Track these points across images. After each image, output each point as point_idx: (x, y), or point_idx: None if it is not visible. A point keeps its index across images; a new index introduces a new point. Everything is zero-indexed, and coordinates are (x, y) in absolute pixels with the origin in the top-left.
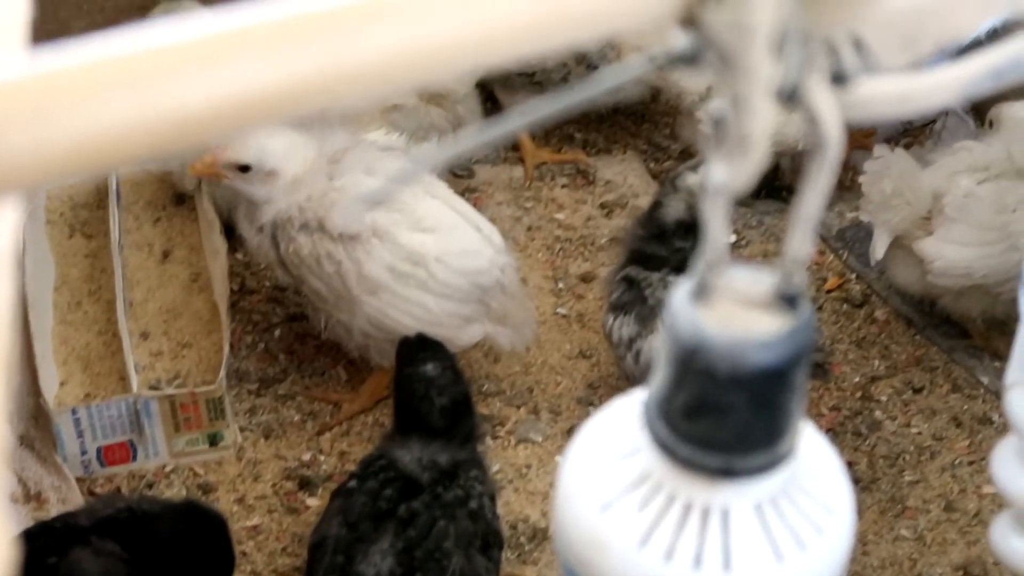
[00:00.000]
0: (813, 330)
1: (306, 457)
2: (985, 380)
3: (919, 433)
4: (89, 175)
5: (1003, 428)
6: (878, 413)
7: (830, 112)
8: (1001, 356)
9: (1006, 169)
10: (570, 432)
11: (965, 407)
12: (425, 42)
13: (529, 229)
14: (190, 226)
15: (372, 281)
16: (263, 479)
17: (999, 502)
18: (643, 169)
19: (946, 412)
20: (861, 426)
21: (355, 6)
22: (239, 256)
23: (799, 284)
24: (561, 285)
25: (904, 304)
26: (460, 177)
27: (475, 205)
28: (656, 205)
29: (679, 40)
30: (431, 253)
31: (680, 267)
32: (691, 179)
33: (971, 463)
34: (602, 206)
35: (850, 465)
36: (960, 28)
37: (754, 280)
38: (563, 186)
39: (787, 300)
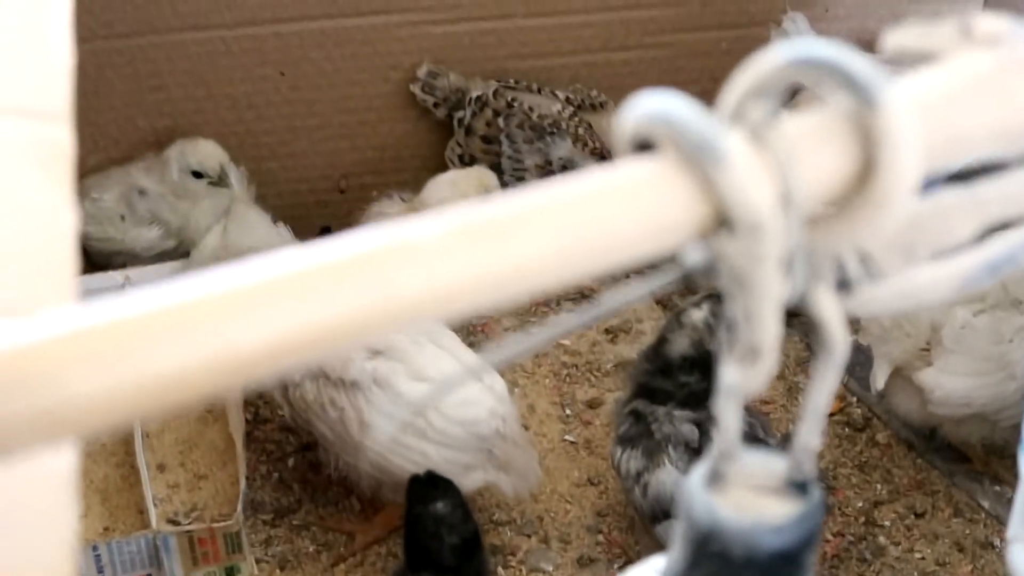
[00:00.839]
0: (823, 513)
1: None
2: (986, 504)
3: (922, 558)
4: (148, 418)
5: (1005, 552)
6: (882, 538)
7: (836, 319)
8: (1001, 480)
9: (1001, 300)
10: (580, 561)
11: (967, 531)
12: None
13: (536, 356)
14: None
15: (373, 428)
16: None
17: None
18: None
19: (948, 537)
20: (865, 551)
21: (400, 243)
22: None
23: (809, 471)
24: (568, 412)
25: (904, 428)
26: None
27: (482, 332)
28: (662, 340)
29: (692, 255)
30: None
31: (686, 401)
32: (696, 315)
33: None
34: (607, 331)
35: None
36: (955, 234)
37: (766, 467)
38: (568, 311)
39: (798, 486)
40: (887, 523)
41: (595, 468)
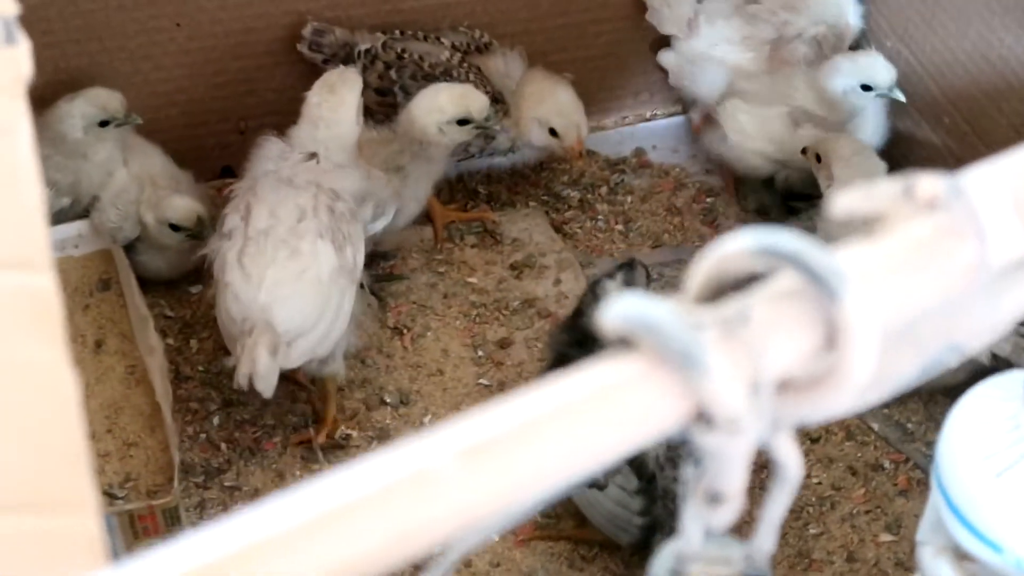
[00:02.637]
0: None
1: None
2: (875, 427)
3: (819, 483)
4: None
5: (893, 474)
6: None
7: (793, 459)
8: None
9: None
10: None
11: (859, 455)
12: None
13: (445, 296)
14: (119, 312)
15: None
16: None
17: (895, 551)
18: (546, 223)
19: (842, 461)
20: (767, 480)
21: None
22: (170, 341)
23: (762, 567)
24: (480, 353)
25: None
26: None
27: (392, 272)
28: (579, 313)
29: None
30: None
31: None
32: (611, 286)
33: (867, 512)
34: (512, 267)
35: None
36: (972, 331)
37: (723, 561)
38: (472, 246)
39: None
40: None
41: None
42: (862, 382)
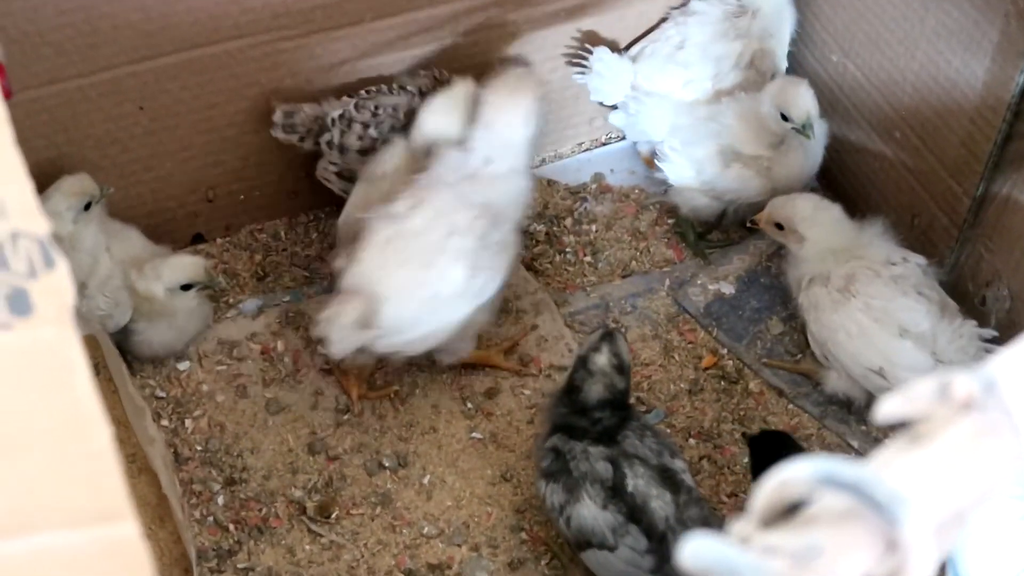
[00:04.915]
0: None
1: None
2: (855, 444)
3: None
4: None
5: None
6: None
7: None
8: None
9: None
10: (511, 565)
11: None
12: None
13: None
14: (111, 398)
15: None
16: None
17: None
18: (517, 262)
19: None
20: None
21: None
22: (164, 423)
23: None
24: (470, 405)
25: (774, 375)
26: None
27: (305, 344)
28: (575, 388)
29: None
30: None
31: (600, 437)
32: (601, 360)
33: None
34: None
35: None
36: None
37: None
38: None
39: None
40: None
41: (505, 463)
42: None
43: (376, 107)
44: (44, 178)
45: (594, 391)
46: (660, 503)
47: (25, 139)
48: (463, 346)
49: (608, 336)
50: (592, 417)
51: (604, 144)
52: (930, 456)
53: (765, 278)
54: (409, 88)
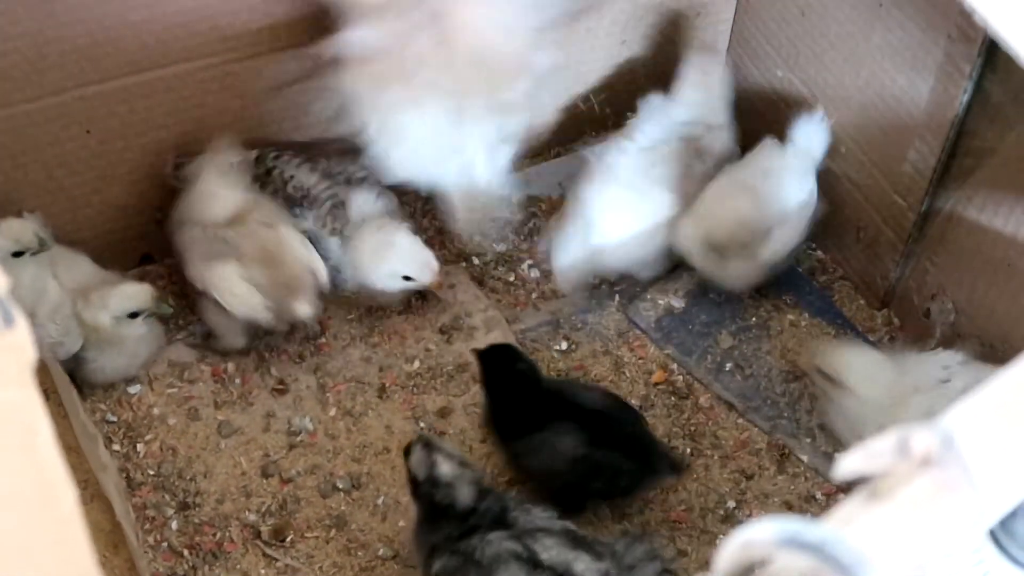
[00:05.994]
0: None
1: None
2: (804, 458)
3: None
4: None
5: (826, 504)
6: (730, 503)
7: None
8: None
9: None
10: None
11: (792, 487)
12: None
13: (381, 370)
14: (61, 424)
15: None
16: None
17: None
18: (467, 278)
19: (777, 496)
20: (714, 523)
21: None
22: (116, 448)
23: None
24: (423, 425)
25: (725, 390)
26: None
27: (319, 352)
28: (444, 509)
29: None
30: None
31: (492, 526)
32: (446, 467)
33: None
34: (441, 331)
35: (708, 566)
36: None
37: None
38: (399, 313)
39: None
40: (725, 489)
41: None
42: None
43: (272, 168)
44: None
45: (464, 493)
46: (583, 565)
47: None
48: (657, 265)
49: (427, 445)
50: (478, 514)
51: (554, 158)
52: (890, 513)
53: (714, 292)
54: (319, 165)
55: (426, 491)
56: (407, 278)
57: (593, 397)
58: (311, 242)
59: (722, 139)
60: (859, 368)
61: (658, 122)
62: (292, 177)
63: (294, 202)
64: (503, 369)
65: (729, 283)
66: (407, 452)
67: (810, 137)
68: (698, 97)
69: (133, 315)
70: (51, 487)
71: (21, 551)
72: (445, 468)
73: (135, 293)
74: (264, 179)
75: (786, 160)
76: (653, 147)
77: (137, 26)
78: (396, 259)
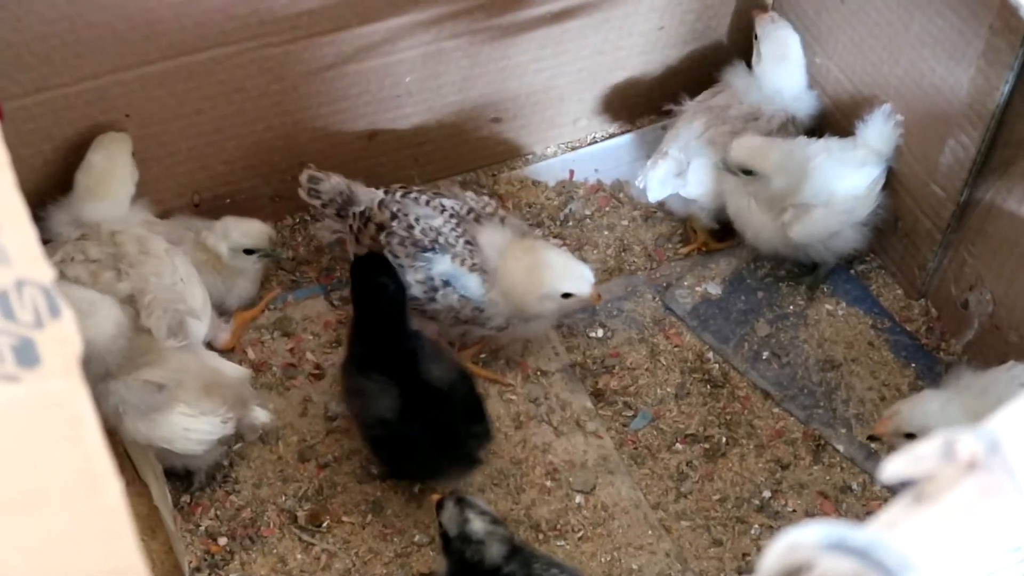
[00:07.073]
0: None
1: None
2: (840, 448)
3: (793, 511)
4: None
5: (861, 495)
6: (766, 493)
7: None
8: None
9: None
10: None
11: (828, 477)
12: None
13: None
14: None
15: None
16: None
17: None
18: None
19: (812, 486)
20: (747, 513)
21: None
22: None
23: None
24: None
25: (761, 378)
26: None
27: (292, 351)
28: (474, 566)
29: None
30: None
31: None
32: (478, 525)
33: None
34: None
35: (744, 556)
36: None
37: None
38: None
39: None
40: (761, 479)
41: (495, 468)
42: None
43: (396, 211)
44: (28, 185)
45: (494, 551)
46: None
47: (12, 148)
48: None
49: (460, 501)
50: (503, 574)
51: (590, 144)
52: (935, 517)
53: (752, 279)
54: (445, 202)
55: (457, 547)
56: (566, 295)
57: (441, 370)
58: (447, 284)
59: (806, 106)
60: (940, 417)
61: (747, 91)
62: (418, 219)
63: (424, 248)
64: (372, 283)
65: (763, 235)
66: (439, 507)
67: (877, 133)
68: (778, 70)
69: (248, 252)
70: (96, 477)
71: (66, 540)
72: (477, 525)
73: (254, 231)
74: (390, 226)
75: (846, 151)
76: (747, 116)
77: (176, 9)
78: (554, 277)
